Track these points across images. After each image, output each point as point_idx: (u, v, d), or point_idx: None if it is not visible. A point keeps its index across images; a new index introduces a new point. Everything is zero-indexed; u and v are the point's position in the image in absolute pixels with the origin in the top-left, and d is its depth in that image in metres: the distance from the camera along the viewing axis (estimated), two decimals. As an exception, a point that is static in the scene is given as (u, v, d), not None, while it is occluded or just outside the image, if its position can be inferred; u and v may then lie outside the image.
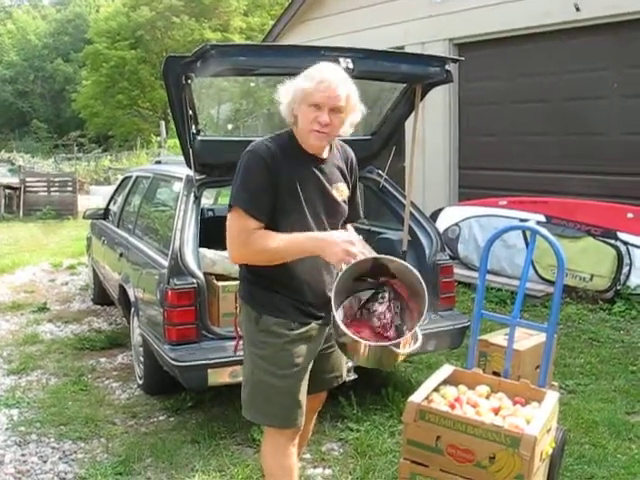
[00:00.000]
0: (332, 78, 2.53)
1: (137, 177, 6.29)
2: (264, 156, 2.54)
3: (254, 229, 2.52)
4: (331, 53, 3.69)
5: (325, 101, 2.50)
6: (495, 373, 3.53)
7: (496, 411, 3.05)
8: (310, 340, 2.70)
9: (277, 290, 2.64)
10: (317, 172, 2.66)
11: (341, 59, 3.64)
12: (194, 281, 4.03)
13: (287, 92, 2.59)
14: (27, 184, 16.66)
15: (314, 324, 2.70)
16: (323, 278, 2.70)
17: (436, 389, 3.22)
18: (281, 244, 2.51)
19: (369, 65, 3.85)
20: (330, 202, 2.70)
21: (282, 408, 2.68)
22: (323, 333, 2.76)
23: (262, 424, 2.89)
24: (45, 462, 3.81)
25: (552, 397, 3.12)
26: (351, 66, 3.67)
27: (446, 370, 3.39)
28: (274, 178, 2.53)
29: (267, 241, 2.51)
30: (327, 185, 2.68)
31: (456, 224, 7.89)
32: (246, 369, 2.75)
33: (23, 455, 3.89)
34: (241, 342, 2.87)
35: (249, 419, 2.83)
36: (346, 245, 2.47)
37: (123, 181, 6.90)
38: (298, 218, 2.60)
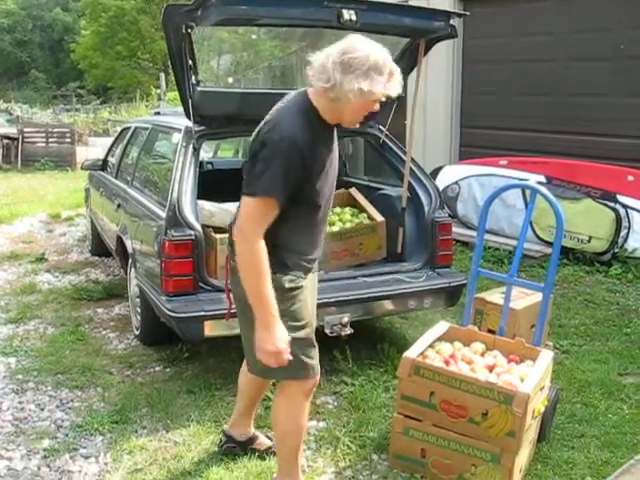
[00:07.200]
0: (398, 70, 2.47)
1: (136, 128, 6.22)
2: (302, 147, 2.43)
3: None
4: (334, 4, 3.63)
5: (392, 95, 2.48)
6: (490, 331, 3.56)
7: (490, 368, 3.09)
8: (311, 290, 2.84)
9: (284, 251, 2.63)
10: (333, 140, 2.68)
11: (344, 10, 3.58)
12: (192, 233, 4.00)
13: (353, 80, 2.36)
14: (25, 135, 16.49)
15: (310, 274, 2.80)
16: (322, 239, 2.82)
17: (431, 345, 3.25)
18: (257, 290, 2.46)
19: (372, 17, 3.77)
20: (336, 166, 2.75)
21: (305, 358, 2.71)
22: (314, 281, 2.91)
23: (284, 379, 2.80)
24: (42, 410, 3.85)
25: (546, 356, 3.15)
26: (354, 18, 3.62)
27: (442, 327, 3.42)
28: (308, 167, 2.48)
29: (259, 270, 2.44)
30: (336, 148, 2.71)
31: (456, 183, 7.85)
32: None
33: (20, 402, 3.93)
34: (233, 309, 2.85)
35: (267, 377, 2.91)
36: (280, 355, 2.48)
37: (122, 132, 6.83)
38: (314, 200, 2.61)
